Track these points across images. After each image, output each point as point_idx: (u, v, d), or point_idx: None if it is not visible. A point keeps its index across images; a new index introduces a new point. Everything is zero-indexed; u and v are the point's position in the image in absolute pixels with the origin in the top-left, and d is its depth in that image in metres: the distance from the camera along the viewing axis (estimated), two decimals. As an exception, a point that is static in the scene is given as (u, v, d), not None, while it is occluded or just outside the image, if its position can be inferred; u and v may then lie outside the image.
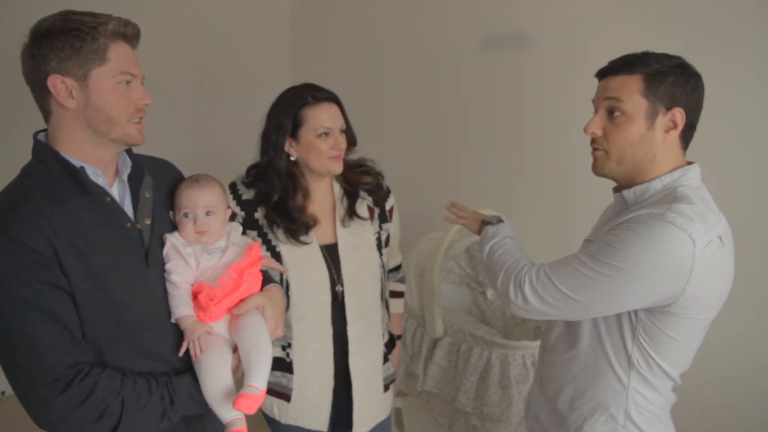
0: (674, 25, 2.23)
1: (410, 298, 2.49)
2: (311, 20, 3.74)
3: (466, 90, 2.98)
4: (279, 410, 1.71)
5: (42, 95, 1.14)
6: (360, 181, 1.74)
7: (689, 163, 1.32)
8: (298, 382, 1.69)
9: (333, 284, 1.69)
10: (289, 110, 1.63)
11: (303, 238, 1.65)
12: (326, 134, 1.62)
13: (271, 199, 1.64)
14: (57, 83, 1.11)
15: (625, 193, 1.33)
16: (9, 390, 2.53)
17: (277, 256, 1.64)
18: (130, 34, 1.17)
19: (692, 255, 1.17)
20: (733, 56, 2.12)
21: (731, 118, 2.14)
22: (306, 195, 1.67)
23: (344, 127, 1.67)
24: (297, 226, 1.64)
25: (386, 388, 1.83)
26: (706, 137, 1.43)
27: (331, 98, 1.66)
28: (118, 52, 1.14)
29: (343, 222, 1.71)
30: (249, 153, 1.73)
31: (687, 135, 1.30)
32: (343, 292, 1.69)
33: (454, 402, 2.29)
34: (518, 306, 1.32)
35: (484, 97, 2.89)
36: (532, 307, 1.30)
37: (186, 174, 1.41)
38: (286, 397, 1.69)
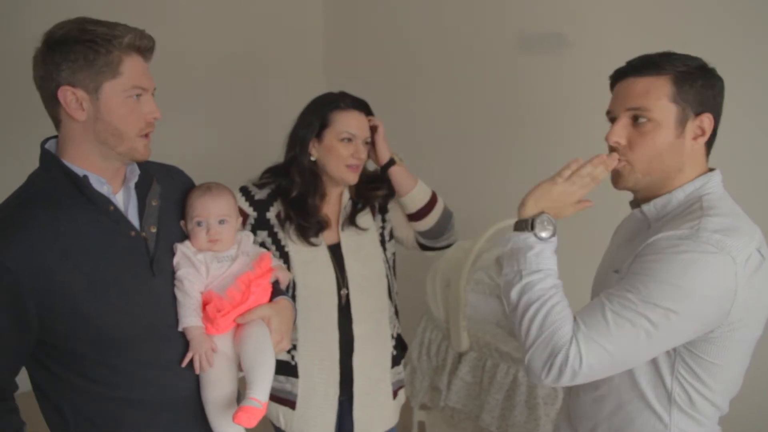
0: (725, 26, 2.09)
1: (436, 309, 2.41)
2: (343, 20, 3.70)
3: (501, 92, 2.87)
4: (284, 419, 1.69)
5: (52, 103, 1.14)
6: (370, 197, 1.75)
7: (710, 169, 1.21)
8: (303, 387, 1.67)
9: (339, 288, 1.67)
10: (319, 111, 1.66)
11: (313, 239, 1.65)
12: (349, 140, 1.63)
13: (290, 194, 1.65)
14: (68, 95, 1.10)
15: (645, 208, 1.21)
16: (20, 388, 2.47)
17: (285, 256, 1.64)
18: (144, 47, 1.16)
19: (735, 274, 1.06)
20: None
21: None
22: (323, 197, 1.68)
23: (369, 140, 1.68)
24: (310, 224, 1.64)
25: (395, 395, 1.78)
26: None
27: (362, 108, 1.68)
28: (131, 65, 1.13)
29: (342, 227, 1.71)
30: (273, 156, 1.72)
31: (711, 143, 1.20)
32: (348, 295, 1.68)
33: (478, 420, 2.19)
34: (550, 383, 1.12)
35: (520, 100, 2.78)
36: (569, 382, 1.10)
37: (199, 180, 1.40)
38: (291, 404, 1.67)
